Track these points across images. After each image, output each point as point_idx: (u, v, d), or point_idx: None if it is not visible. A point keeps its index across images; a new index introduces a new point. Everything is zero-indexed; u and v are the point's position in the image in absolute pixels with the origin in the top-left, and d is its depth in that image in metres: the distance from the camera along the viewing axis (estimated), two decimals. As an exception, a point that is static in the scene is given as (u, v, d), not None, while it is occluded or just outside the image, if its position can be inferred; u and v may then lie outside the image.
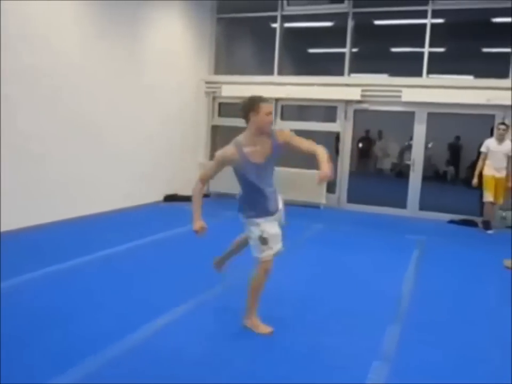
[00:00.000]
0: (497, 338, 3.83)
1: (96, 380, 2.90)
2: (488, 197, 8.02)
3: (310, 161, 9.81)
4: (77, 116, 7.13)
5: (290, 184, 9.67)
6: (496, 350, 3.60)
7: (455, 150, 13.20)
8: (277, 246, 3.55)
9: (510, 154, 7.91)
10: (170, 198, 9.35)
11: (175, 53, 9.40)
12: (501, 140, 7.95)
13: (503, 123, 8.06)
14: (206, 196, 10.17)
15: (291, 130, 3.83)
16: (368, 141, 13.60)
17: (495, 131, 8.20)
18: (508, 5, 8.68)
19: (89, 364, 3.06)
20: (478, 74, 9.42)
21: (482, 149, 8.12)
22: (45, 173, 6.66)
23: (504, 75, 8.73)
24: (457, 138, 13.10)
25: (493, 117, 8.78)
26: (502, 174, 7.94)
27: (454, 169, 13.39)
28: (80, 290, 4.40)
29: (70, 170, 7.07)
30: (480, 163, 8.10)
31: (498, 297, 4.90)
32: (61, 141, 6.89)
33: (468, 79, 9.80)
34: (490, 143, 8.06)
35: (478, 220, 8.41)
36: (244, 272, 3.77)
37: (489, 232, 8.01)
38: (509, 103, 8.48)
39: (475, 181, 8.08)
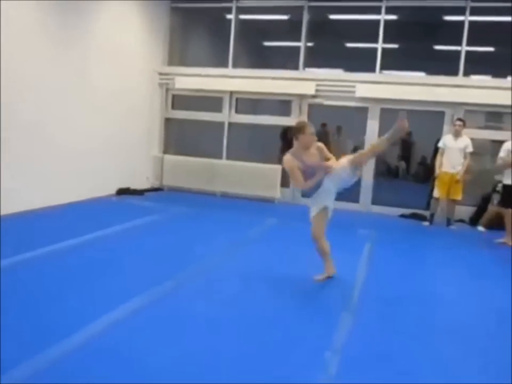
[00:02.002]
0: (449, 323, 3.97)
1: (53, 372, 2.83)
2: (435, 193, 8.21)
3: (263, 155, 9.83)
4: (21, 110, 6.81)
5: (244, 179, 9.66)
6: (449, 335, 3.73)
7: (406, 146, 13.45)
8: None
9: (467, 150, 8.01)
10: (123, 192, 9.14)
11: (127, 43, 9.14)
12: (457, 135, 8.08)
13: (459, 119, 8.18)
14: (159, 189, 10.05)
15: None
16: (325, 134, 13.66)
17: (452, 127, 8.35)
18: (460, 3, 8.87)
19: (41, 358, 2.99)
20: (430, 72, 9.60)
21: (439, 145, 8.26)
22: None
23: (454, 73, 8.93)
24: (409, 134, 13.34)
25: (443, 113, 8.98)
26: (458, 170, 8.01)
27: (405, 165, 13.65)
28: (29, 284, 4.24)
29: (19, 164, 6.78)
30: (438, 158, 8.21)
31: (443, 281, 5.24)
32: (7, 135, 6.58)
33: (420, 76, 9.98)
34: (447, 139, 8.17)
35: (427, 213, 8.59)
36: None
37: (425, 224, 8.34)
38: (458, 100, 8.69)
39: (437, 172, 8.17)
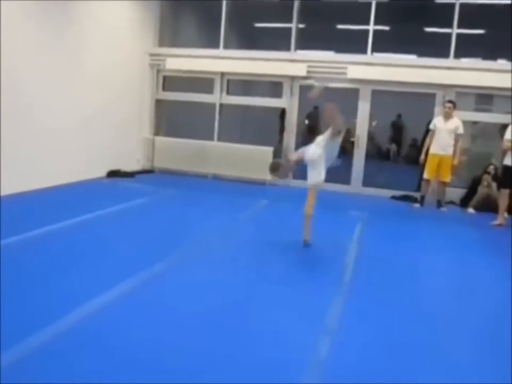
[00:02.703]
0: (439, 309, 3.99)
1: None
2: (426, 174, 8.26)
3: (255, 137, 9.80)
4: (12, 93, 6.71)
5: (236, 161, 9.64)
6: (440, 322, 3.74)
7: (397, 128, 13.47)
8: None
9: (458, 132, 8.04)
10: (113, 174, 9.09)
11: (118, 24, 9.03)
12: (447, 117, 8.10)
13: (450, 101, 8.20)
14: (150, 171, 10.02)
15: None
16: (316, 117, 13.65)
17: (442, 109, 8.37)
18: (451, -14, 8.85)
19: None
20: (421, 54, 9.60)
21: (430, 126, 8.28)
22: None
23: (445, 55, 8.94)
24: (399, 116, 13.37)
25: (434, 95, 9.00)
26: (448, 151, 8.04)
27: (396, 147, 13.68)
28: (14, 269, 4.18)
29: (11, 146, 6.69)
30: (427, 140, 8.26)
31: (433, 261, 5.27)
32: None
33: (411, 58, 9.97)
34: (437, 121, 8.19)
35: (417, 195, 8.64)
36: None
37: (416, 205, 8.39)
38: (449, 82, 8.71)
39: (422, 157, 8.25)
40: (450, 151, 8.05)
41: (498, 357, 3.16)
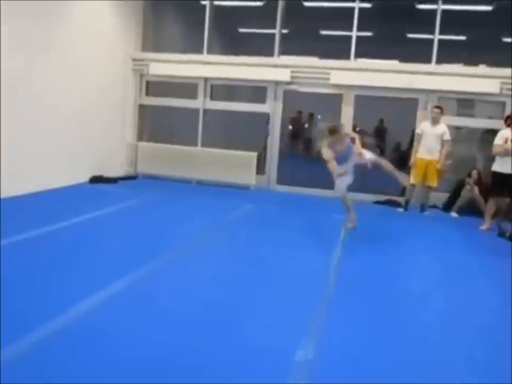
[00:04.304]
0: (428, 314, 3.99)
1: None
2: (411, 179, 8.28)
3: (239, 142, 9.79)
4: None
5: (220, 165, 9.61)
6: (430, 328, 3.73)
7: (380, 133, 13.55)
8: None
9: (444, 138, 8.06)
10: (96, 180, 9.00)
11: (100, 28, 8.96)
12: (434, 122, 8.13)
13: (437, 106, 8.24)
14: (133, 177, 9.94)
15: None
16: (299, 121, 13.68)
17: (430, 114, 8.38)
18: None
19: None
20: (403, 59, 9.67)
21: (417, 131, 8.33)
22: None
23: (427, 60, 9.01)
24: (381, 121, 13.46)
25: (416, 100, 9.06)
26: (434, 156, 8.06)
27: (379, 151, 13.73)
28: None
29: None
30: (415, 144, 8.29)
31: (419, 266, 5.32)
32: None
33: (393, 63, 10.04)
34: (424, 126, 8.23)
35: (401, 199, 8.67)
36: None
37: (400, 210, 8.44)
38: (431, 87, 8.78)
39: (412, 161, 8.28)
40: (436, 155, 8.08)
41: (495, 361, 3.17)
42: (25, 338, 3.01)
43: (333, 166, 6.28)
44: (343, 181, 6.60)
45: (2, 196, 6.69)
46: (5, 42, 6.76)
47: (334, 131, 6.33)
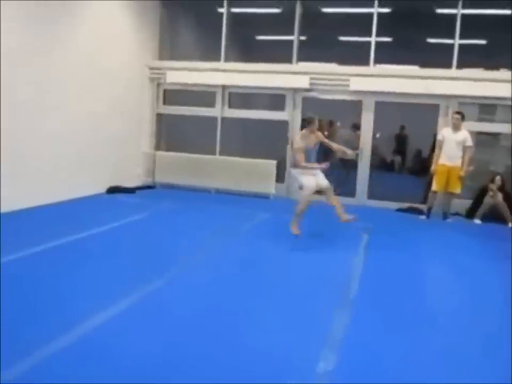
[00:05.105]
0: (449, 320, 3.92)
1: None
2: (433, 186, 8.14)
3: (258, 150, 9.71)
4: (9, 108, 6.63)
5: (239, 174, 9.54)
6: (450, 333, 3.67)
7: (401, 140, 13.42)
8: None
9: (466, 144, 7.92)
10: (113, 190, 8.97)
11: (116, 37, 8.97)
12: (455, 128, 8.00)
13: (458, 112, 8.11)
14: (151, 187, 9.88)
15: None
16: (320, 128, 13.50)
17: (450, 120, 8.26)
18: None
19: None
20: (423, 64, 9.55)
21: (439, 137, 8.19)
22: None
23: (447, 65, 8.87)
24: (402, 127, 13.31)
25: (437, 106, 8.92)
26: (456, 163, 7.92)
27: (401, 159, 13.60)
28: (12, 287, 4.08)
29: (10, 162, 6.57)
30: (437, 151, 8.15)
31: (441, 274, 5.27)
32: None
33: (413, 69, 9.91)
34: (446, 132, 8.09)
35: (423, 207, 8.51)
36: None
37: (422, 217, 8.26)
38: (451, 92, 8.63)
39: (433, 167, 8.14)
40: (458, 162, 7.93)
41: None
42: (35, 354, 2.99)
43: (300, 157, 6.02)
44: (310, 180, 6.12)
45: (20, 207, 6.68)
46: (20, 50, 6.78)
47: (310, 122, 6.21)
